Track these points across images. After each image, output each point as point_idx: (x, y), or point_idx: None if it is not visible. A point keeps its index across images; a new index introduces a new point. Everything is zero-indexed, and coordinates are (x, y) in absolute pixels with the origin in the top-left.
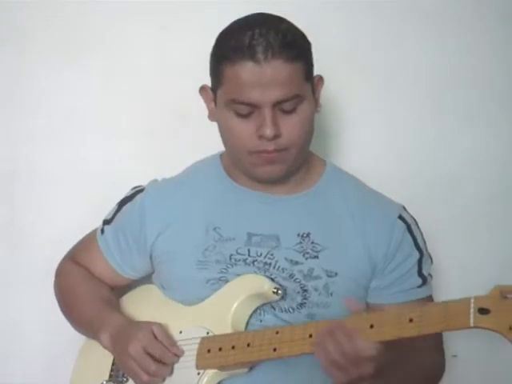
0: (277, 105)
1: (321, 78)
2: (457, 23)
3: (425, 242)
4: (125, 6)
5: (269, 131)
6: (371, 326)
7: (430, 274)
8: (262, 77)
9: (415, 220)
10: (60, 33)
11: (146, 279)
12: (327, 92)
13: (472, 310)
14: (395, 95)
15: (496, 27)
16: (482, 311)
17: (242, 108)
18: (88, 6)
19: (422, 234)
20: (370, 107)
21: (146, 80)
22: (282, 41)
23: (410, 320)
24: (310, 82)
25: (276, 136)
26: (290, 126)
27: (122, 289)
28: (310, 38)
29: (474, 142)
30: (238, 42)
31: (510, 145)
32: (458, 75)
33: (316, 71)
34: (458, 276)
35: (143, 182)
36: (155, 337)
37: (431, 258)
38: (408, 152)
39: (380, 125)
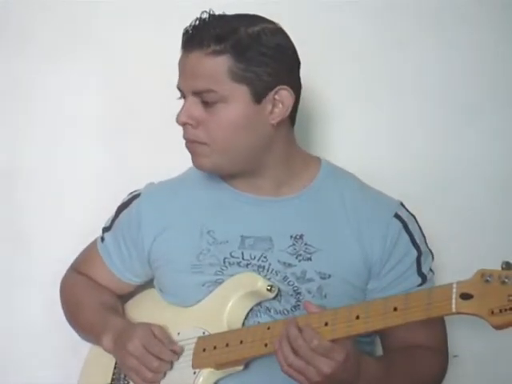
0: (197, 95)
1: (284, 90)
2: (460, 20)
3: (424, 238)
4: (125, 7)
5: (179, 117)
6: (357, 317)
7: (431, 270)
8: (185, 65)
9: (414, 216)
10: (60, 33)
11: (152, 284)
12: (327, 91)
13: (454, 296)
14: (395, 94)
15: (497, 25)
16: (465, 296)
17: (180, 94)
18: (88, 6)
19: (420, 231)
20: (370, 106)
21: (147, 80)
22: (212, 34)
23: (395, 309)
24: (248, 85)
25: (187, 124)
26: (209, 121)
27: (129, 294)
28: (310, 38)
29: (475, 140)
30: (183, 31)
31: (510, 143)
32: (460, 73)
33: (316, 71)
34: (458, 275)
35: (143, 181)
36: (154, 335)
37: (432, 254)
38: (408, 151)
39: (380, 123)
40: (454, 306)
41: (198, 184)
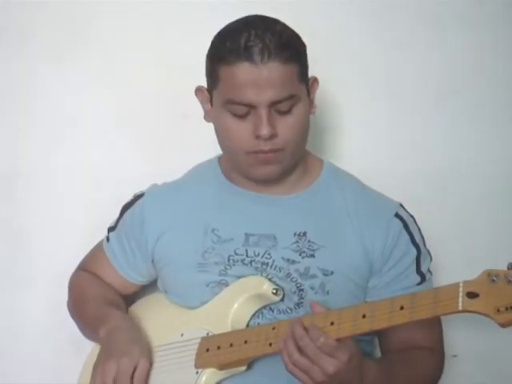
0: (272, 105)
1: (316, 80)
2: (457, 22)
3: (423, 239)
4: (125, 6)
5: (265, 131)
6: (363, 316)
7: (429, 271)
8: (259, 78)
9: (413, 217)
10: (60, 33)
11: (156, 286)
12: (327, 91)
13: (461, 294)
14: (395, 94)
15: (498, 26)
16: (471, 295)
17: (238, 108)
18: (88, 6)
19: (419, 231)
20: (370, 106)
21: (147, 80)
22: (278, 42)
23: (401, 307)
24: (305, 83)
25: (272, 136)
26: (286, 127)
27: (134, 296)
28: (310, 37)
29: (475, 140)
30: (235, 44)
31: (510, 143)
32: (460, 73)
33: (316, 71)
34: (458, 275)
35: (144, 182)
36: (132, 372)
37: (430, 255)
38: (408, 151)
39: (380, 123)
40: (460, 304)
41: (201, 183)
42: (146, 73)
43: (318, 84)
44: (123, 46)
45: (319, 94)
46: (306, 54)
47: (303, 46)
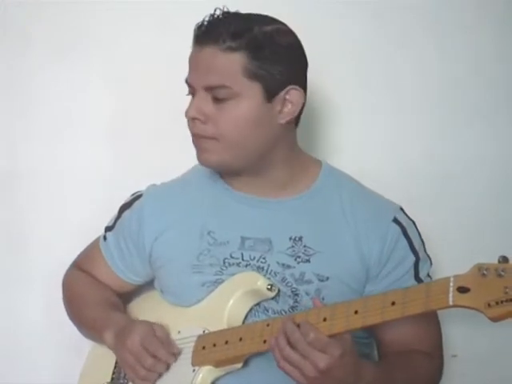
0: (209, 90)
1: (295, 89)
2: (457, 22)
3: (423, 244)
4: (125, 6)
5: (189, 112)
6: (356, 312)
7: (428, 275)
8: (198, 60)
9: (413, 221)
10: (60, 32)
11: (153, 284)
12: (325, 91)
13: (451, 289)
14: (394, 95)
15: (497, 26)
16: (462, 289)
17: (189, 89)
18: (88, 6)
19: (419, 236)
20: (369, 106)
21: (147, 80)
22: (229, 30)
23: (393, 303)
24: (261, 84)
25: (196, 119)
26: (219, 117)
27: (131, 295)
28: (310, 37)
29: (474, 140)
30: (196, 26)
31: (510, 144)
32: (458, 74)
33: (316, 71)
34: None
35: (145, 182)
36: (154, 333)
37: (430, 260)
38: (408, 151)
39: (379, 123)
40: (451, 299)
41: (199, 185)
42: (146, 72)
43: (301, 95)
44: (123, 46)
45: (319, 93)
46: (272, 58)
47: (274, 47)
